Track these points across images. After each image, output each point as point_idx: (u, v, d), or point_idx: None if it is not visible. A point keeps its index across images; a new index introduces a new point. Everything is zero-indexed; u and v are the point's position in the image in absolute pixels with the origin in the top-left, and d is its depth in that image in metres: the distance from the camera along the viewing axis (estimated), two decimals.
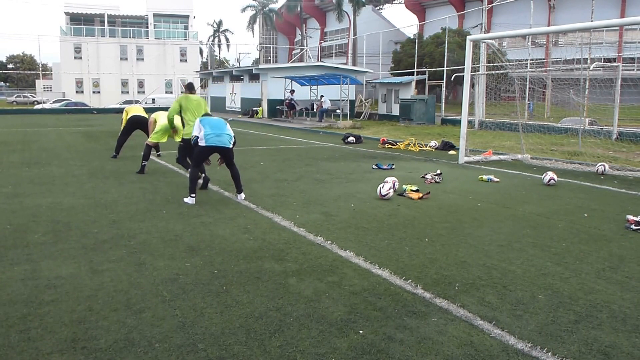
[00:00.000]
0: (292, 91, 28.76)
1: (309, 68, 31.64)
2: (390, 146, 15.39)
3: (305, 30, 70.52)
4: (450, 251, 5.04)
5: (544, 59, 33.21)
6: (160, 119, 9.82)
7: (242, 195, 7.35)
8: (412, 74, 31.77)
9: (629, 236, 5.69)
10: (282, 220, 6.17)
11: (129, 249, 4.98)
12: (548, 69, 23.81)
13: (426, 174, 9.38)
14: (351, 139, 16.50)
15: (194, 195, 7.15)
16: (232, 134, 7.25)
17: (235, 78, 37.89)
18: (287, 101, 28.74)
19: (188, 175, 7.44)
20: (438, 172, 9.64)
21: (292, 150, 14.42)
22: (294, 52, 65.29)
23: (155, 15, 56.15)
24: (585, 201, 7.63)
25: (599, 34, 36.79)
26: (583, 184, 9.18)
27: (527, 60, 24.52)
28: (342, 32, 64.48)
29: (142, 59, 53.81)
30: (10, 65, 79.02)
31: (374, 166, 10.87)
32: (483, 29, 30.09)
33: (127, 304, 3.71)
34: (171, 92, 50.26)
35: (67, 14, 54.09)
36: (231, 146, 7.19)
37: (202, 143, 7.03)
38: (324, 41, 65.84)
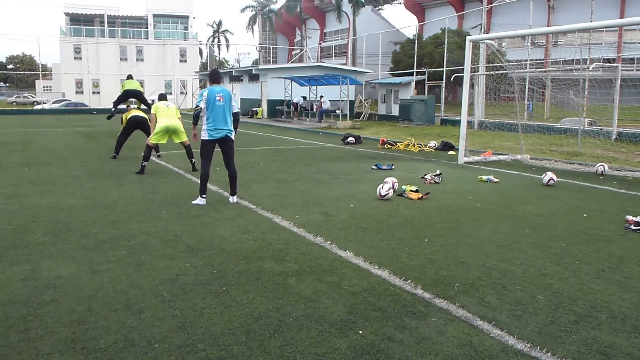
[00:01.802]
0: (304, 97, 29.15)
1: (309, 68, 31.66)
2: (389, 146, 15.39)
3: (305, 30, 70.56)
4: (449, 251, 5.04)
5: (543, 60, 33.24)
6: (161, 120, 9.82)
7: (235, 199, 7.24)
8: (411, 74, 31.77)
9: (629, 236, 5.69)
10: (281, 221, 6.17)
11: (129, 250, 4.98)
12: (547, 69, 23.82)
13: (426, 175, 9.39)
14: (351, 139, 16.50)
15: (204, 195, 7.09)
16: (232, 128, 7.11)
17: (235, 78, 37.91)
18: (294, 102, 28.95)
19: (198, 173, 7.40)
20: (437, 172, 9.65)
21: (291, 150, 14.43)
22: (293, 52, 65.32)
23: (155, 15, 56.17)
24: (585, 201, 7.64)
25: (599, 35, 36.82)
26: (582, 185, 9.18)
27: (526, 60, 24.54)
28: (341, 32, 64.52)
29: (142, 60, 53.83)
30: (10, 66, 79.04)
31: (373, 166, 10.88)
32: (482, 30, 30.13)
33: (127, 304, 3.71)
34: (170, 93, 50.25)
35: (66, 14, 54.10)
36: (233, 137, 7.11)
37: (205, 137, 7.00)
38: (324, 42, 65.85)
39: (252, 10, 70.37)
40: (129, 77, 15.33)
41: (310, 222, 6.13)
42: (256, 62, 65.79)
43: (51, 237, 5.35)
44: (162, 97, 10.55)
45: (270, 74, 31.25)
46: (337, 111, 25.60)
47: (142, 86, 14.18)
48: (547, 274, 4.43)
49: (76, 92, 51.39)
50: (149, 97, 17.32)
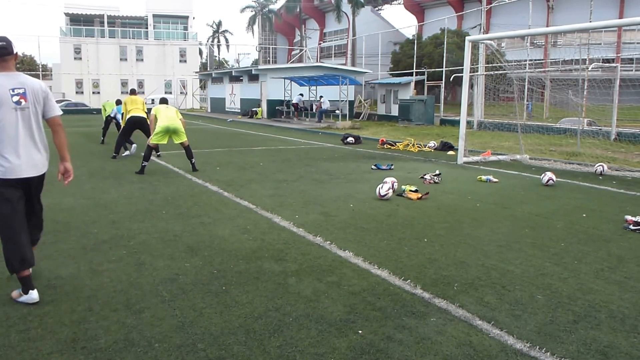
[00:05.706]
0: (302, 95, 29.24)
1: (308, 69, 31.66)
2: (389, 146, 15.40)
3: (305, 31, 70.54)
4: (449, 251, 5.05)
5: (542, 60, 33.26)
6: (160, 120, 9.84)
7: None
8: (411, 74, 31.77)
9: (628, 236, 5.70)
10: (281, 221, 6.18)
11: (129, 249, 4.99)
12: (547, 69, 23.83)
13: (425, 175, 9.39)
14: (350, 139, 16.51)
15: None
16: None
17: (235, 79, 37.90)
18: (294, 103, 28.98)
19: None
20: (437, 172, 9.66)
21: (291, 150, 14.43)
22: (293, 52, 65.32)
23: (154, 16, 56.14)
24: (584, 201, 7.65)
25: (598, 35, 36.81)
26: (582, 185, 9.19)
27: (525, 60, 24.54)
28: (341, 32, 64.49)
29: (142, 60, 53.82)
30: None
31: (373, 166, 10.88)
32: (482, 30, 30.15)
33: (127, 304, 3.71)
34: (170, 93, 50.26)
35: (67, 14, 54.07)
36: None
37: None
38: (323, 42, 65.84)
39: (251, 11, 70.36)
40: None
41: (309, 222, 6.14)
42: (256, 62, 65.78)
43: (51, 237, 5.36)
44: (163, 101, 10.50)
45: (269, 74, 31.25)
46: (337, 111, 25.60)
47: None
48: (546, 274, 4.44)
49: (76, 93, 51.37)
50: (148, 97, 17.32)
